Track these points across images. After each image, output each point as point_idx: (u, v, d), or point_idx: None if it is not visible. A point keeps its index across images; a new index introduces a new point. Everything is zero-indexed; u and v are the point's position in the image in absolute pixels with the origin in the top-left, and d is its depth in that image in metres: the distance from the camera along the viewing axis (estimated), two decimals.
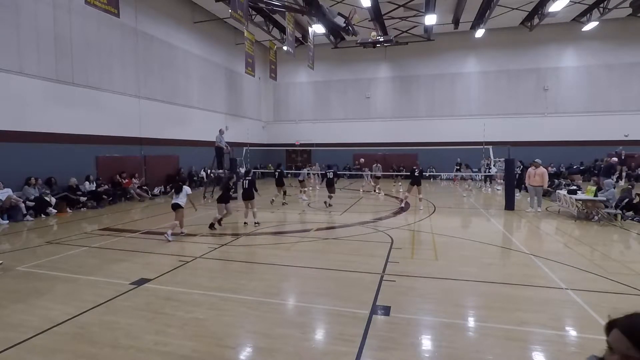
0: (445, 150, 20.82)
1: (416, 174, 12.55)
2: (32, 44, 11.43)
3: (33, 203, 10.73)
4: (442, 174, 23.74)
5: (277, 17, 21.12)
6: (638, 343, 1.09)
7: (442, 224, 9.86)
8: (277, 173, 13.54)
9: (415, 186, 12.45)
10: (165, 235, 7.85)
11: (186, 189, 8.35)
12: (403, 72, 25.45)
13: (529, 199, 12.13)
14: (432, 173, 23.91)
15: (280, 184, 13.35)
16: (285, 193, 13.49)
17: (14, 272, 5.85)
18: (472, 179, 20.34)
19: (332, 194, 12.89)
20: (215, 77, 21.35)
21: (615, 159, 17.81)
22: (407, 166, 23.28)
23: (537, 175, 11.61)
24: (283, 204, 13.09)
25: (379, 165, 17.57)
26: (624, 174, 17.87)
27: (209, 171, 16.88)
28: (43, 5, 11.71)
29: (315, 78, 26.36)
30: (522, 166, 17.88)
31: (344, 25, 16.66)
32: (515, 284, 5.29)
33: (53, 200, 11.38)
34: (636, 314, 1.18)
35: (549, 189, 14.69)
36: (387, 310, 4.34)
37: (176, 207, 8.12)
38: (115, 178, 14.23)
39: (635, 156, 19.77)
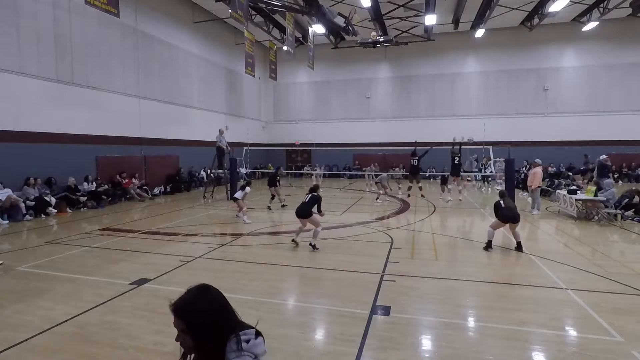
0: (445, 150, 20.74)
1: (413, 163, 12.89)
2: (32, 44, 11.43)
3: (33, 203, 10.73)
4: (442, 174, 23.65)
5: (277, 17, 21.11)
6: (181, 316, 1.33)
7: (442, 224, 9.86)
8: (454, 164, 14.06)
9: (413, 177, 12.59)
10: (238, 216, 10.33)
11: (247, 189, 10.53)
12: (403, 72, 25.42)
13: (530, 199, 12.20)
14: (432, 173, 23.87)
15: (444, 182, 13.40)
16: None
17: (14, 272, 5.85)
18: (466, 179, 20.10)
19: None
20: (215, 77, 21.34)
21: (604, 156, 17.78)
22: (407, 166, 23.27)
23: (530, 176, 11.76)
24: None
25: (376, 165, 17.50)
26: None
27: (209, 171, 16.87)
28: (43, 5, 11.71)
29: (315, 78, 26.34)
30: (528, 166, 17.22)
31: (344, 25, 16.65)
32: (515, 284, 5.29)
33: (53, 200, 11.36)
34: (185, 294, 1.36)
35: (549, 188, 14.70)
36: (387, 310, 4.34)
37: (235, 199, 10.49)
38: (115, 178, 14.21)
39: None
